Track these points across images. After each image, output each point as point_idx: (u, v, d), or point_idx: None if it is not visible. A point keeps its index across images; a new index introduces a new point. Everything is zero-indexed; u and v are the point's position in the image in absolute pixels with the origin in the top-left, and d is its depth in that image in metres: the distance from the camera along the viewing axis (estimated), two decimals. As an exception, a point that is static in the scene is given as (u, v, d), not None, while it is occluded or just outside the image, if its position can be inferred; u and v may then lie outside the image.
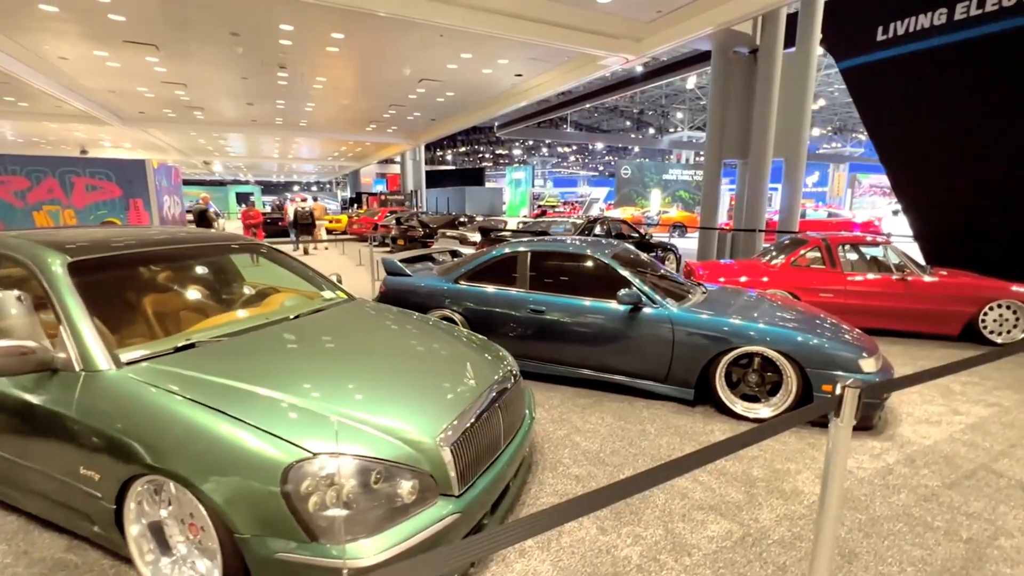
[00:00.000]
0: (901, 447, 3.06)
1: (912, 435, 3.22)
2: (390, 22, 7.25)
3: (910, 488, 2.62)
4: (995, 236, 7.70)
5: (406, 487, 1.75)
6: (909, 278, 5.37)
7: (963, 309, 5.22)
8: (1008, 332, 5.20)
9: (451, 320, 4.32)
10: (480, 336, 3.03)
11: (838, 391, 1.53)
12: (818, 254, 5.76)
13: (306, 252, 13.15)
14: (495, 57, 9.17)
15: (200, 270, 3.04)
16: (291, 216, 12.97)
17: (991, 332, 5.24)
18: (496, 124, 30.43)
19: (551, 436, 3.20)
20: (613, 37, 8.07)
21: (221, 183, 42.02)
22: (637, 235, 8.45)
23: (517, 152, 51.12)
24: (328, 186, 54.91)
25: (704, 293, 4.13)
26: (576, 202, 31.00)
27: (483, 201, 33.80)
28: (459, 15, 6.92)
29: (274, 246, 3.48)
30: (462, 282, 4.37)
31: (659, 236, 16.88)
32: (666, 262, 9.01)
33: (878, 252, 5.87)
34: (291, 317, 2.71)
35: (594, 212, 24.48)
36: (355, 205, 33.99)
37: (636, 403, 3.71)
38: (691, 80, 25.55)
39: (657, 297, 3.69)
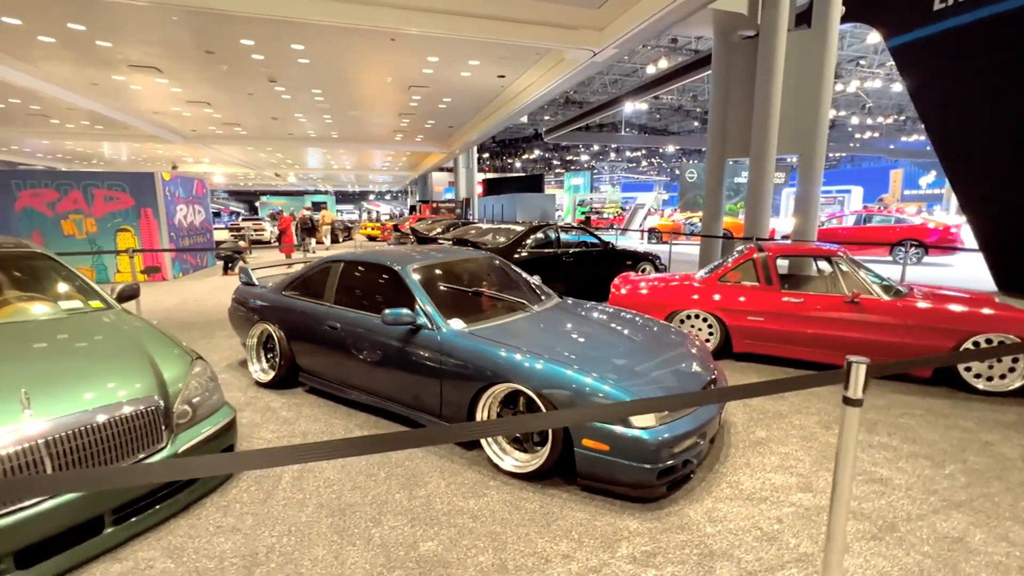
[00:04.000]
0: (648, 536, 2.26)
1: (699, 518, 2.39)
2: (336, 30, 7.24)
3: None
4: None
5: None
6: (859, 299, 4.21)
7: (932, 343, 3.98)
8: (1002, 377, 3.88)
9: (271, 335, 4.07)
10: (169, 352, 2.69)
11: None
12: (752, 269, 4.74)
13: (309, 251, 14.64)
14: (464, 58, 8.84)
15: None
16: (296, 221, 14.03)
17: (976, 375, 3.94)
18: (544, 130, 30.03)
19: (263, 482, 2.80)
20: (570, 28, 7.39)
21: (300, 193, 45.91)
22: (600, 245, 7.63)
23: (584, 158, 50.16)
24: (400, 194, 57.69)
25: (529, 313, 3.48)
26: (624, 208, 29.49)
27: (535, 208, 33.49)
28: (391, 17, 6.72)
29: (55, 256, 3.46)
30: (285, 293, 4.11)
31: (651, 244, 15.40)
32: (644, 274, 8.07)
33: (842, 267, 4.69)
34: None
35: (638, 219, 23.01)
36: (413, 212, 35.36)
37: (408, 440, 3.18)
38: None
39: (436, 318, 3.14)
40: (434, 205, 30.36)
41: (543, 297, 3.94)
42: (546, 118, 30.91)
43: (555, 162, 51.51)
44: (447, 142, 18.92)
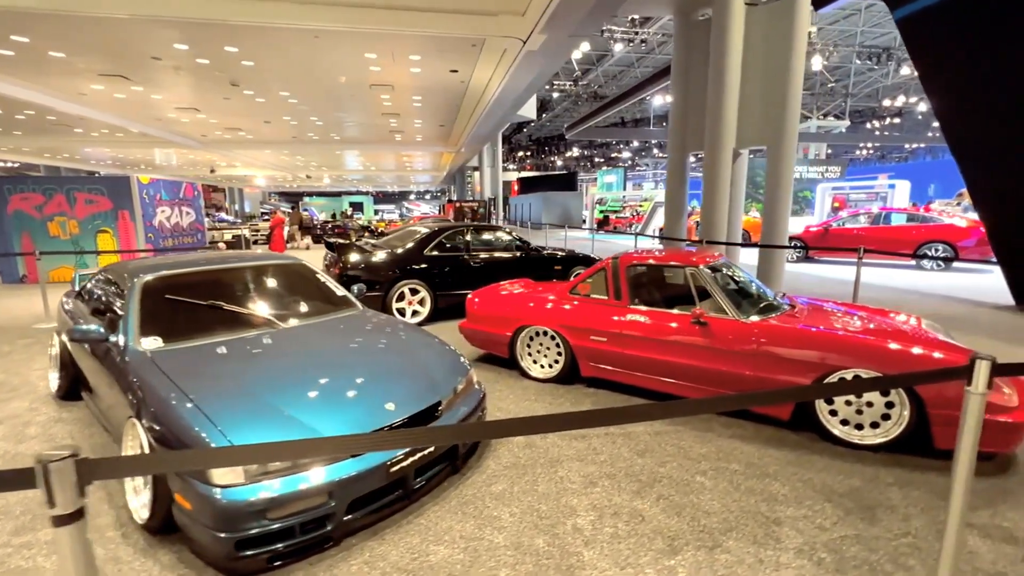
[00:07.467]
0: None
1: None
2: (254, 29, 7.14)
3: None
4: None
5: None
6: (704, 319, 3.45)
7: (787, 377, 3.17)
8: (874, 425, 3.01)
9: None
10: None
11: None
12: (603, 280, 4.05)
13: (307, 248, 15.45)
14: (404, 54, 8.47)
15: None
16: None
17: (843, 421, 3.09)
18: (565, 127, 29.25)
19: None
20: (490, 15, 6.83)
21: (339, 194, 47.67)
22: (522, 249, 7.01)
23: (626, 155, 48.63)
24: (440, 194, 58.53)
25: (272, 331, 3.07)
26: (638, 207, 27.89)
27: (560, 207, 32.67)
28: (290, 12, 6.50)
29: None
30: (69, 301, 3.94)
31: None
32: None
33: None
34: None
35: (656, 219, 21.69)
36: (440, 212, 35.81)
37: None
38: (817, 61, 21.22)
39: (129, 335, 2.80)
40: (457, 205, 30.40)
41: (334, 309, 3.53)
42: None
43: (598, 159, 50.37)
44: (448, 140, 18.72)
